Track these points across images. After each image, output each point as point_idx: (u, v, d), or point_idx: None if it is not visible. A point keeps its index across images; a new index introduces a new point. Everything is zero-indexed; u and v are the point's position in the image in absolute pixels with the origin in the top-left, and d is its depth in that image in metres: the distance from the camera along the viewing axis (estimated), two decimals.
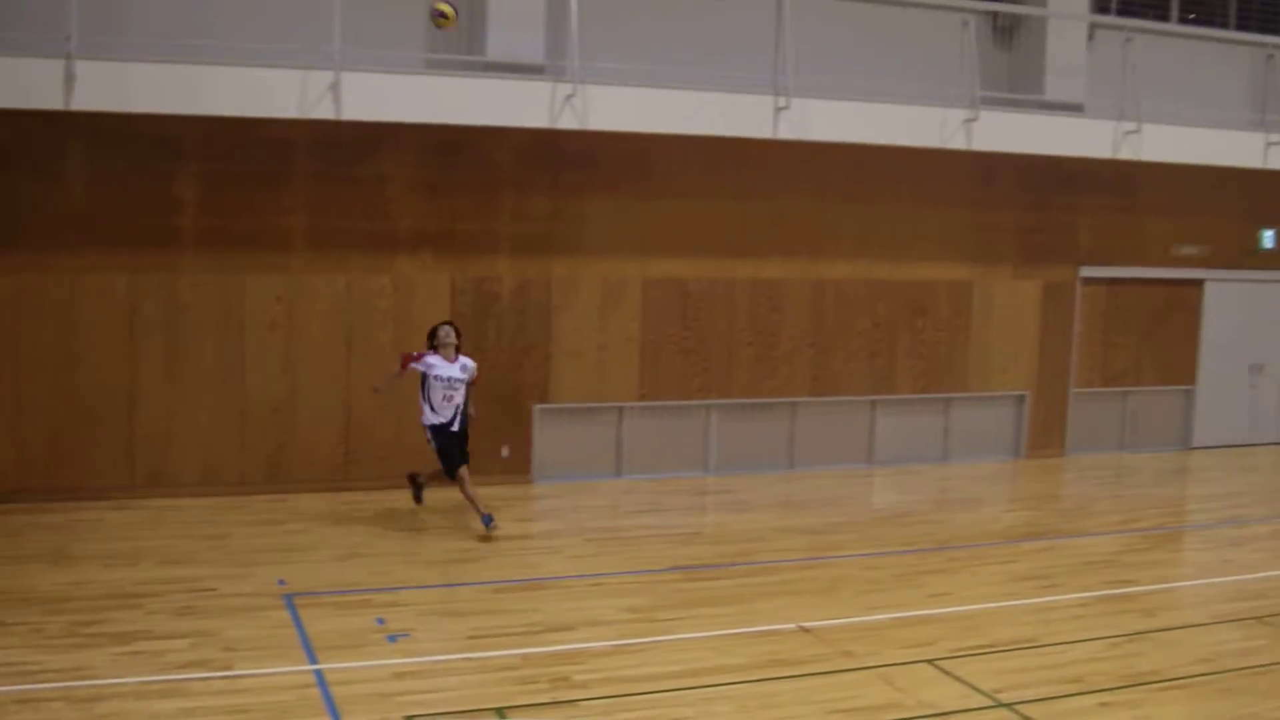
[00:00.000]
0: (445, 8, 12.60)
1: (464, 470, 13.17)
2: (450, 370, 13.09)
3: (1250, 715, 8.96)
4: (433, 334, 13.30)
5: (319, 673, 8.97)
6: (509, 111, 14.21)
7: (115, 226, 13.83)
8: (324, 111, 13.37)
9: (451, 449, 13.15)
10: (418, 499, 14.06)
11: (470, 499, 13.13)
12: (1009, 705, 8.94)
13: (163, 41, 13.23)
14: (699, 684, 9.10)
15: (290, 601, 10.60)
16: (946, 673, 9.55)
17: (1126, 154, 17.46)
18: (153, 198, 13.93)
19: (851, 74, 16.29)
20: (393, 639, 9.78)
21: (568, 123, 14.33)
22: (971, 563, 12.94)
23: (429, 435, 13.20)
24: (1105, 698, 9.20)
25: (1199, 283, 19.87)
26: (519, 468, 15.62)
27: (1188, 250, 19.62)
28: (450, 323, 13.46)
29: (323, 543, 12.68)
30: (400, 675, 9.02)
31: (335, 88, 13.29)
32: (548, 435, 15.80)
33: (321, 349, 14.62)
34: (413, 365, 13.16)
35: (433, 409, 13.09)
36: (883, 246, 17.32)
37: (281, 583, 11.12)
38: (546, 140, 15.12)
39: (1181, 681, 9.61)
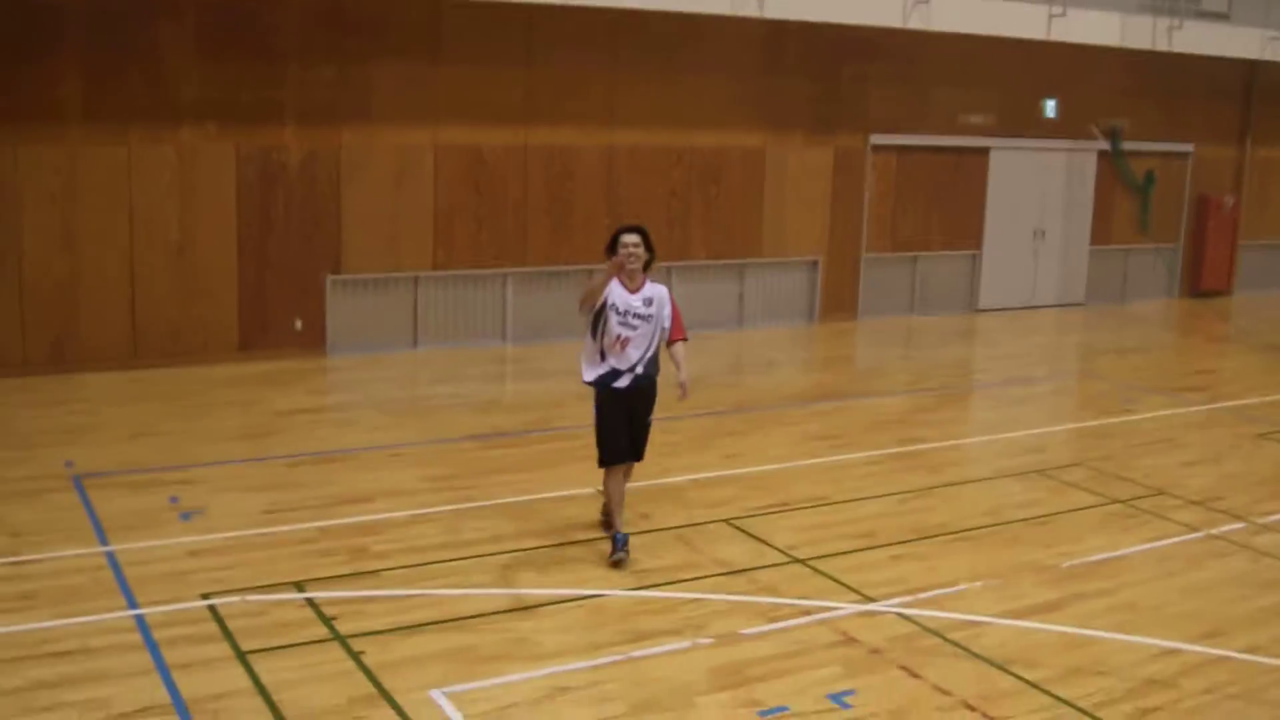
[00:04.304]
0: None
1: (625, 468, 9.39)
2: (630, 301, 9.06)
3: (1031, 562, 9.39)
4: (612, 244, 9.11)
5: (110, 554, 8.79)
6: None
7: None
8: None
9: (615, 418, 9.16)
10: (616, 544, 9.11)
11: (610, 500, 9.36)
12: (803, 561, 9.20)
13: None
14: (499, 550, 9.17)
15: (78, 483, 10.33)
16: (742, 530, 9.78)
17: (916, 23, 17.77)
18: None
19: None
20: (186, 517, 9.62)
21: None
22: (766, 424, 13.21)
23: (593, 400, 9.33)
24: (895, 550, 9.55)
25: (984, 151, 20.39)
26: (313, 341, 15.38)
27: (974, 119, 20.08)
28: (638, 229, 9.17)
29: (111, 422, 12.35)
30: (195, 553, 8.88)
31: None
32: (341, 307, 15.57)
33: (104, 223, 14.07)
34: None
35: (601, 355, 9.09)
36: (676, 114, 17.33)
37: (69, 464, 10.81)
38: (330, 5, 14.71)
39: (967, 533, 10.02)
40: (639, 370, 9.09)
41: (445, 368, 15.30)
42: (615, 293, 8.99)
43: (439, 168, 15.79)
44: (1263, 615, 8.64)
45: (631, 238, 9.03)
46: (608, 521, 9.42)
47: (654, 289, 9.20)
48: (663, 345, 9.28)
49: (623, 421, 9.15)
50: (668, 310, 9.22)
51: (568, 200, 16.70)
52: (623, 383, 9.06)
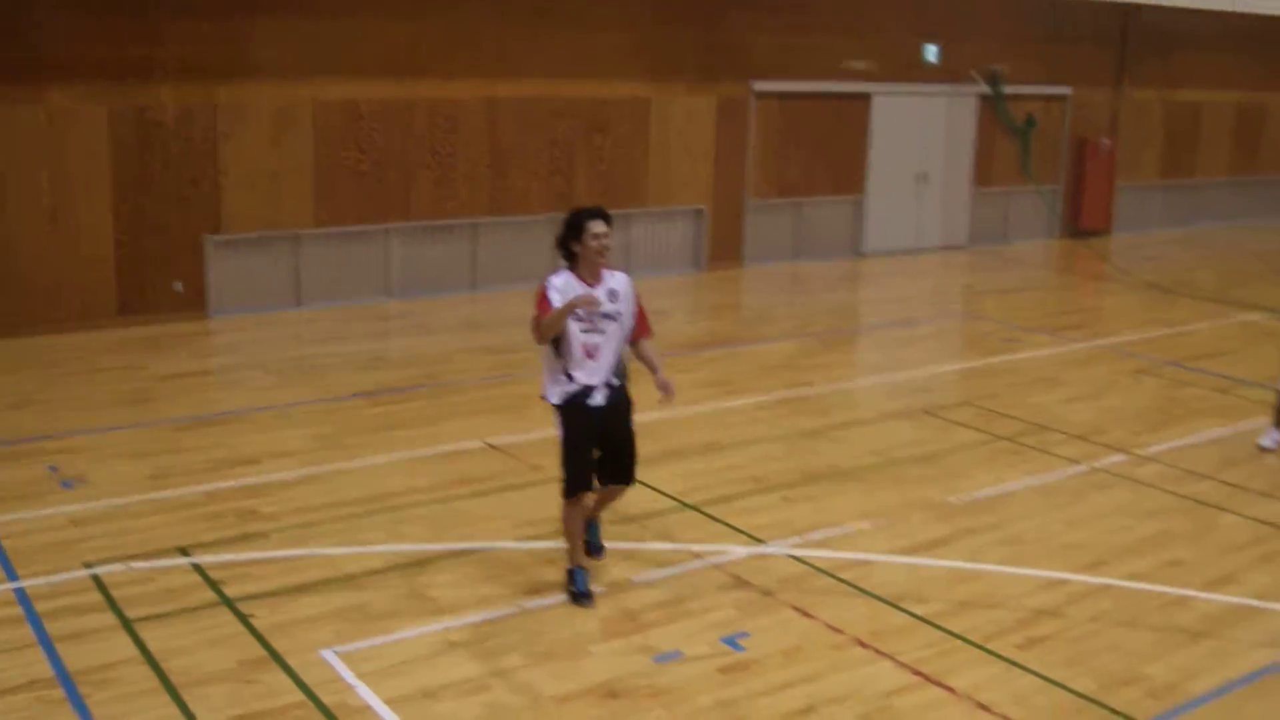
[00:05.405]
0: None
1: (610, 490, 8.04)
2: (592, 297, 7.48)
3: (919, 500, 9.52)
4: (576, 228, 7.55)
5: None
6: None
7: None
8: None
9: (587, 442, 7.69)
10: (591, 549, 8.24)
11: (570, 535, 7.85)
12: (694, 506, 9.25)
13: None
14: (389, 506, 9.11)
15: None
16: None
17: None
18: None
19: None
20: (68, 485, 9.43)
21: None
22: None
23: (556, 421, 7.80)
24: (785, 493, 9.64)
25: (866, 96, 20.46)
26: (194, 303, 15.06)
27: (856, 65, 20.15)
28: (603, 213, 7.59)
29: None
30: (77, 522, 8.71)
31: None
32: (222, 268, 15.27)
33: None
34: (548, 301, 7.43)
35: (566, 373, 7.60)
36: (559, 65, 17.19)
37: None
38: None
39: (856, 474, 10.16)
40: (612, 380, 7.63)
41: (330, 325, 15.11)
42: (570, 291, 7.43)
43: (318, 123, 15.54)
44: (1144, 544, 8.85)
45: (600, 226, 7.47)
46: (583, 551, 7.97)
47: (616, 279, 7.65)
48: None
49: (594, 444, 7.72)
50: (633, 302, 7.74)
51: (451, 153, 16.52)
52: (597, 399, 7.57)
